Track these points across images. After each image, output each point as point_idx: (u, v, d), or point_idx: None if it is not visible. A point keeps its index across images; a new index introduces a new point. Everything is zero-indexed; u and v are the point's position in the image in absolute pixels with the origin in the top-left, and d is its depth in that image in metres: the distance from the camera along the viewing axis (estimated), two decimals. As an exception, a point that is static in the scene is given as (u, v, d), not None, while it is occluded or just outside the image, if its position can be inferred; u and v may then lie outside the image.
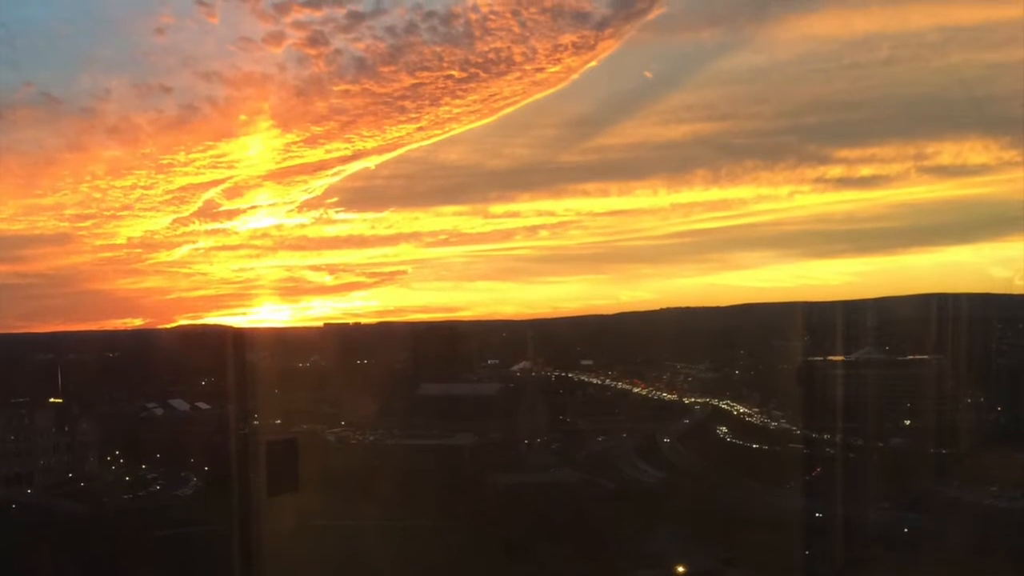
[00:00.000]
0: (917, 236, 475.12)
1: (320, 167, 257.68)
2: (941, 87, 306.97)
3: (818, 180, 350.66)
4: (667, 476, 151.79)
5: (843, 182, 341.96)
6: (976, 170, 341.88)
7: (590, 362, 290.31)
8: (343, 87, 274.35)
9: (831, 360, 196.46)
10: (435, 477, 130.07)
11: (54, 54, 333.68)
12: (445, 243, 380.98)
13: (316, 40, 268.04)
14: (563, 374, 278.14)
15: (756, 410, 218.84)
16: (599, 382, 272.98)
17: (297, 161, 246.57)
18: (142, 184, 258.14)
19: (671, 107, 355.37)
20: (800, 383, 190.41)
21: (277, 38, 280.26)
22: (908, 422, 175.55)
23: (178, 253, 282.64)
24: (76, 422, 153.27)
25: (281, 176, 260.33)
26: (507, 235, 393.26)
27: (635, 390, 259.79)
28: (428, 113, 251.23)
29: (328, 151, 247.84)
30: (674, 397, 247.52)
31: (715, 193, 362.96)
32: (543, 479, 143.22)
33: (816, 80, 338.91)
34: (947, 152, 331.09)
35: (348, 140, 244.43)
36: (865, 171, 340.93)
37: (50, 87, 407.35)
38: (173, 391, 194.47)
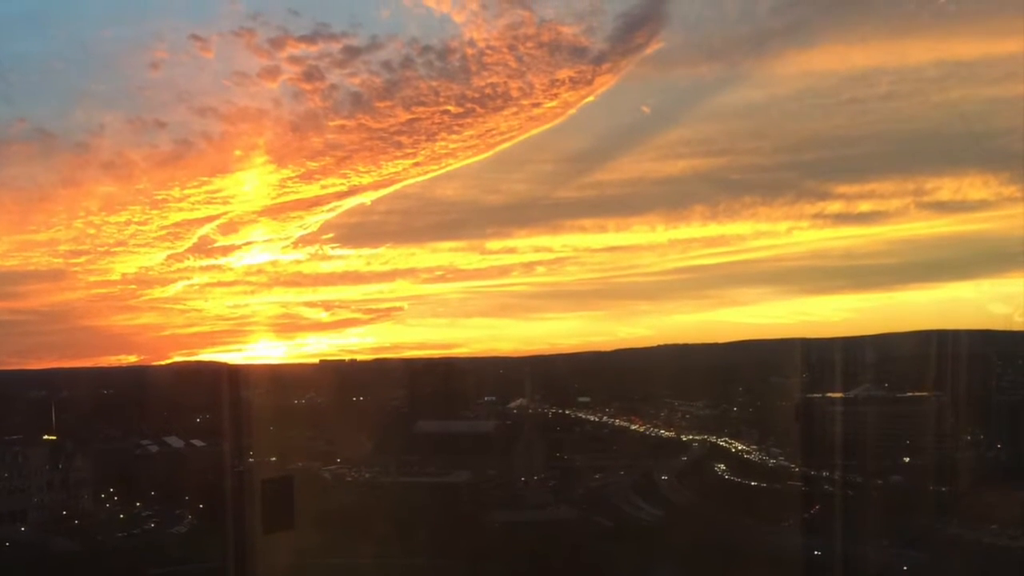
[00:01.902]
0: (916, 272, 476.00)
1: (316, 203, 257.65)
2: (940, 122, 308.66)
3: (817, 216, 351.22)
4: (665, 514, 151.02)
5: (842, 218, 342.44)
6: (976, 206, 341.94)
7: (587, 399, 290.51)
8: (339, 122, 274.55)
9: (830, 397, 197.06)
10: (432, 515, 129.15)
11: (47, 89, 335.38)
12: (441, 279, 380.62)
13: (311, 75, 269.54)
14: (560, 411, 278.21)
15: (754, 447, 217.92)
16: (596, 419, 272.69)
17: (292, 197, 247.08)
18: (136, 220, 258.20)
19: (669, 142, 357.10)
20: (799, 420, 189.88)
21: (272, 73, 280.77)
22: (907, 459, 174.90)
23: (173, 289, 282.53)
24: (70, 459, 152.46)
25: (276, 212, 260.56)
26: (504, 271, 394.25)
27: (632, 427, 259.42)
28: (424, 148, 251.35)
29: (324, 187, 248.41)
30: (672, 434, 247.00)
31: (713, 229, 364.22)
32: (540, 517, 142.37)
33: (815, 115, 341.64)
34: (947, 188, 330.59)
35: (344, 175, 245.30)
36: (864, 207, 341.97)
37: (44, 122, 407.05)
38: (168, 428, 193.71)
